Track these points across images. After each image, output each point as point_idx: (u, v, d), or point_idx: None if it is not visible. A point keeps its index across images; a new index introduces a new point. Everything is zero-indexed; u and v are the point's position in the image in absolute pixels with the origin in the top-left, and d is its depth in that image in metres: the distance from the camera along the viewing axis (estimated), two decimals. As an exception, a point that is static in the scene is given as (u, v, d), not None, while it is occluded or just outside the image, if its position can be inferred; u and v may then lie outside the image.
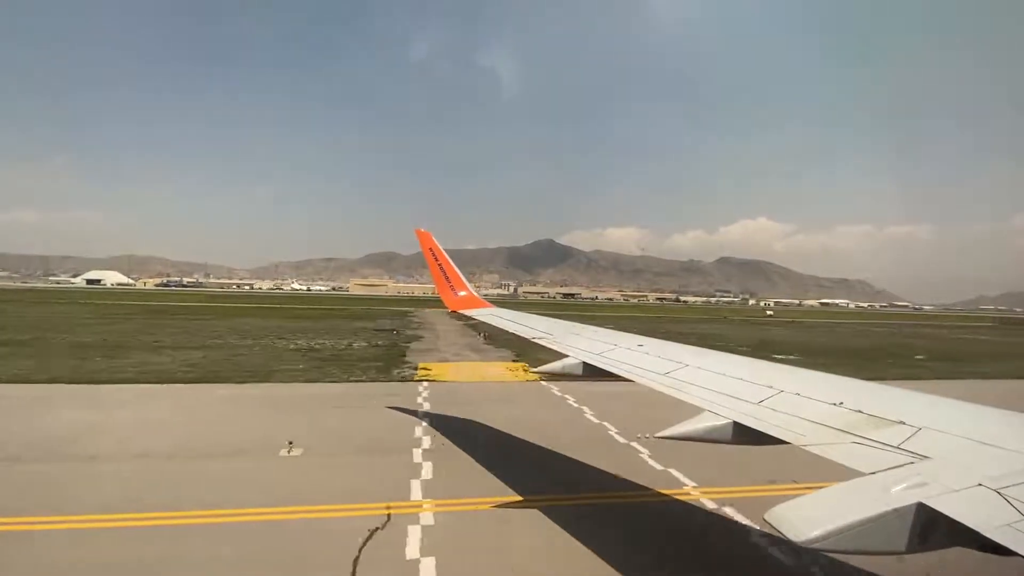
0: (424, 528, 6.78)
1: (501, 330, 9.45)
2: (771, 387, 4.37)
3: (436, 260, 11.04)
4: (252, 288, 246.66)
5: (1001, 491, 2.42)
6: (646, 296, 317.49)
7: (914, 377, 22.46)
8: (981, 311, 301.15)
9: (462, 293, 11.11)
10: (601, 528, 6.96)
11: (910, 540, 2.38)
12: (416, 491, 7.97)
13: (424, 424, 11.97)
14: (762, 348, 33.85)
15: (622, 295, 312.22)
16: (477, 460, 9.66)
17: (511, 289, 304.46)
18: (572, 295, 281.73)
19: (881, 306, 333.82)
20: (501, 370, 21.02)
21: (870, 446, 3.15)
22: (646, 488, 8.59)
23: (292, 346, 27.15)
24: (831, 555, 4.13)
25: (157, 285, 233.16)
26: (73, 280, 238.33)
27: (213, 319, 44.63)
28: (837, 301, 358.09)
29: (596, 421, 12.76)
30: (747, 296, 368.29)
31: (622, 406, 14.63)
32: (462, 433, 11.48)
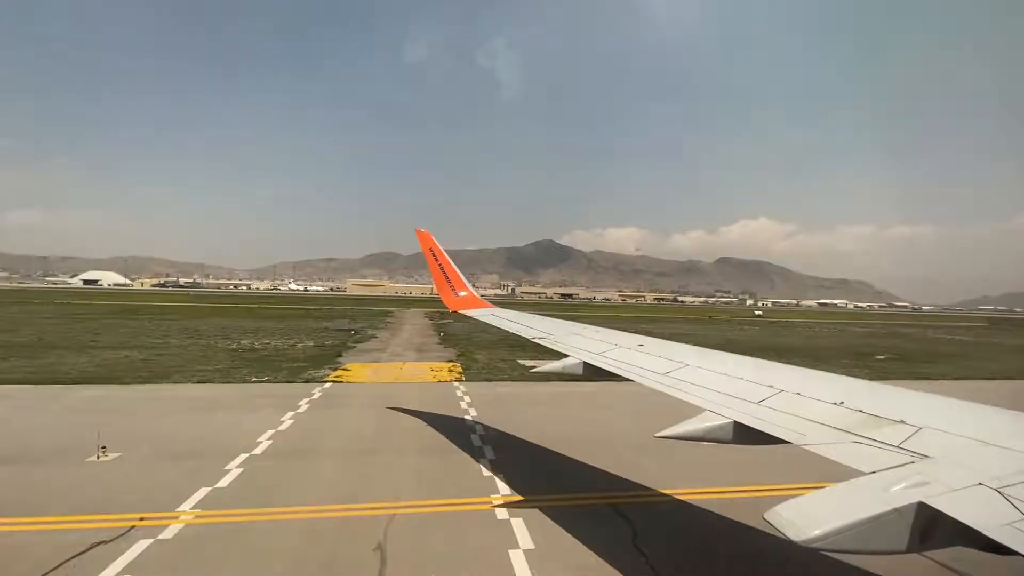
0: (158, 542, 6.30)
1: (503, 330, 9.30)
2: (771, 387, 4.36)
3: (436, 260, 10.93)
4: (249, 288, 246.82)
5: (1002, 490, 2.42)
6: (644, 296, 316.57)
7: (863, 377, 21.87)
8: (981, 311, 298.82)
9: (462, 293, 11.02)
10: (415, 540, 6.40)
11: (911, 539, 2.38)
12: (192, 500, 7.51)
13: (282, 427, 11.50)
14: (725, 349, 33.23)
15: (620, 296, 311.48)
16: (301, 467, 9.18)
17: (509, 289, 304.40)
18: (570, 295, 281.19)
19: (880, 306, 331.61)
20: (425, 371, 20.54)
21: (871, 445, 3.15)
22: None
23: (233, 346, 26.74)
24: (831, 555, 4.05)
25: (154, 286, 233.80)
26: (70, 281, 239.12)
27: (180, 319, 44.28)
28: (836, 301, 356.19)
29: (469, 425, 12.26)
30: (745, 296, 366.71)
31: (519, 409, 14.16)
32: (313, 437, 11.02)
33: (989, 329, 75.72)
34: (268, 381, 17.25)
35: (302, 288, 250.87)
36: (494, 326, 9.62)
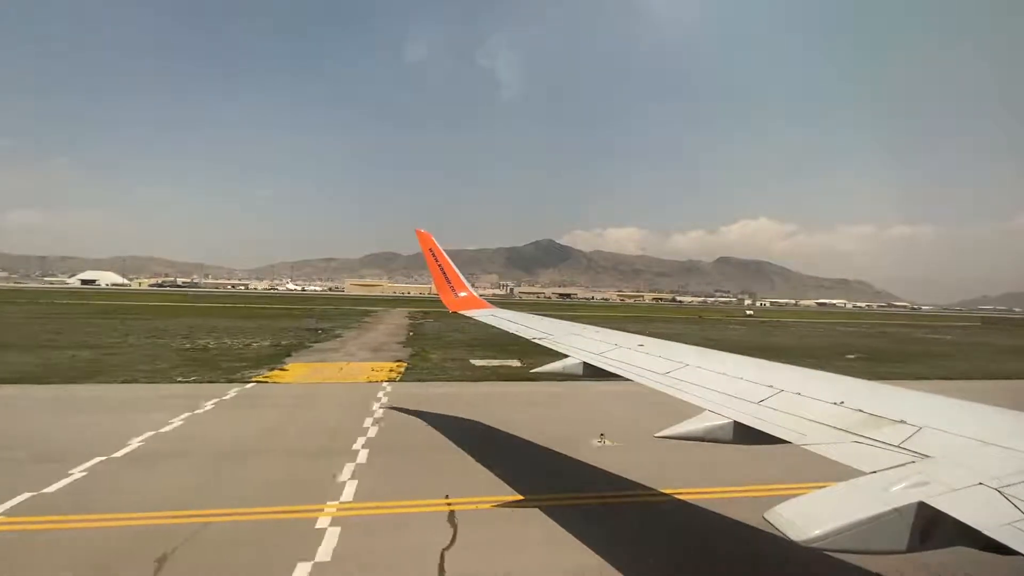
0: None
1: (503, 331, 9.20)
2: (771, 387, 4.34)
3: (436, 261, 10.84)
4: (247, 288, 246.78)
5: (1002, 490, 2.41)
6: (642, 296, 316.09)
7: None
8: (980, 311, 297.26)
9: (462, 294, 10.94)
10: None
11: (911, 539, 2.36)
12: (3, 507, 7.02)
13: (166, 429, 10.95)
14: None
15: (619, 296, 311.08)
16: (151, 471, 8.64)
17: (507, 290, 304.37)
18: (568, 295, 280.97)
19: (879, 306, 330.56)
20: (364, 371, 20.10)
21: (871, 445, 3.13)
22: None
23: (188, 346, 26.33)
24: (832, 554, 4.03)
25: (151, 285, 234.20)
26: (68, 281, 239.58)
27: (157, 319, 43.78)
28: (835, 301, 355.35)
29: (365, 427, 11.67)
30: (744, 296, 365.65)
31: (435, 411, 13.76)
32: (191, 439, 10.50)
33: (979, 329, 74.97)
34: (192, 381, 16.69)
35: (299, 288, 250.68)
36: (493, 326, 9.52)
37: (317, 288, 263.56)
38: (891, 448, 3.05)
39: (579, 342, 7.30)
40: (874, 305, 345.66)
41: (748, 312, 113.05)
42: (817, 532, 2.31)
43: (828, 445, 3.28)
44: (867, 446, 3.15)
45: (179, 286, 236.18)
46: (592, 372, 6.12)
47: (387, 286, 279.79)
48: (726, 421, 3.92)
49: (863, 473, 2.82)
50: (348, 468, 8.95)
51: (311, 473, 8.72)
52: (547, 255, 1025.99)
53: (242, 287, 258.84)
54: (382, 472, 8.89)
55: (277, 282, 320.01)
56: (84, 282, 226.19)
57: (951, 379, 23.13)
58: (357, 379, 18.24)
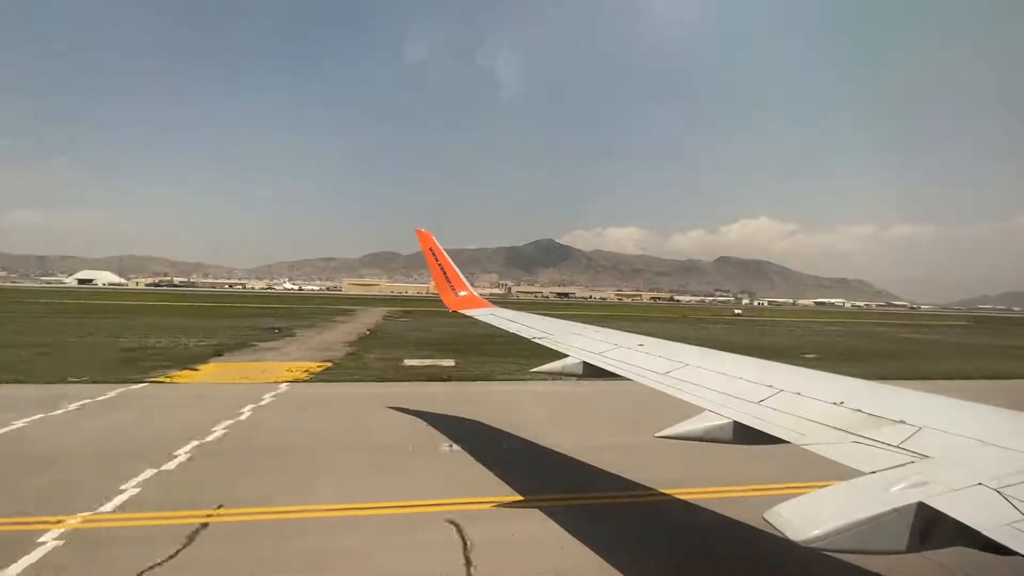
0: None
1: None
2: (771, 386, 4.32)
3: (436, 260, 10.82)
4: (244, 288, 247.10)
5: (1001, 490, 2.41)
6: (640, 296, 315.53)
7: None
8: (979, 311, 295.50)
9: (462, 293, 11.00)
10: None
11: (910, 539, 2.36)
12: None
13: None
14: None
15: (617, 295, 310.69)
16: None
17: (506, 289, 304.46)
18: (566, 295, 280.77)
19: (878, 306, 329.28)
20: (279, 371, 19.43)
21: (870, 445, 3.12)
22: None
23: (129, 345, 25.59)
24: (831, 554, 3.88)
25: (148, 285, 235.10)
26: (65, 280, 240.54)
27: (127, 318, 43.11)
28: (833, 301, 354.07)
29: (213, 430, 10.95)
30: (743, 296, 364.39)
31: (319, 412, 13.15)
32: (15, 443, 9.86)
33: (966, 329, 73.90)
34: (83, 381, 15.62)
35: (296, 287, 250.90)
36: (495, 326, 9.41)
37: (314, 287, 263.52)
38: (891, 448, 3.02)
39: (579, 341, 7.28)
40: (873, 304, 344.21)
41: (736, 311, 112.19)
42: (816, 532, 2.28)
43: (828, 445, 3.24)
44: (867, 446, 3.12)
45: (176, 286, 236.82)
46: (592, 372, 6.14)
47: (384, 285, 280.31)
48: (726, 421, 3.88)
49: (863, 473, 2.78)
50: (147, 474, 8.27)
51: (99, 480, 8.01)
52: (547, 255, 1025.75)
53: (239, 286, 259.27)
54: (180, 480, 8.21)
55: (275, 282, 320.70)
56: (81, 281, 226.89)
57: (951, 379, 22.77)
58: (261, 380, 17.52)
